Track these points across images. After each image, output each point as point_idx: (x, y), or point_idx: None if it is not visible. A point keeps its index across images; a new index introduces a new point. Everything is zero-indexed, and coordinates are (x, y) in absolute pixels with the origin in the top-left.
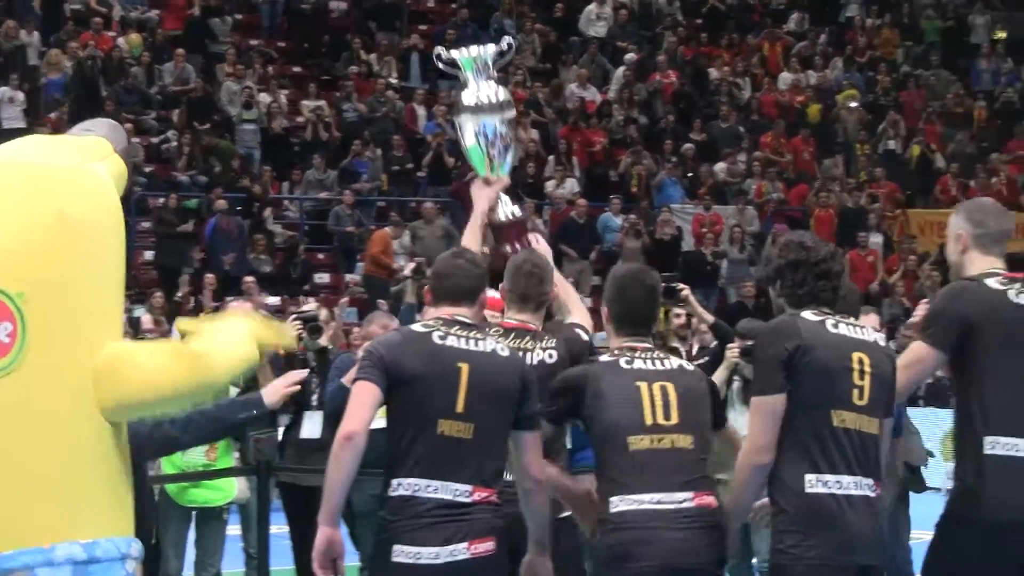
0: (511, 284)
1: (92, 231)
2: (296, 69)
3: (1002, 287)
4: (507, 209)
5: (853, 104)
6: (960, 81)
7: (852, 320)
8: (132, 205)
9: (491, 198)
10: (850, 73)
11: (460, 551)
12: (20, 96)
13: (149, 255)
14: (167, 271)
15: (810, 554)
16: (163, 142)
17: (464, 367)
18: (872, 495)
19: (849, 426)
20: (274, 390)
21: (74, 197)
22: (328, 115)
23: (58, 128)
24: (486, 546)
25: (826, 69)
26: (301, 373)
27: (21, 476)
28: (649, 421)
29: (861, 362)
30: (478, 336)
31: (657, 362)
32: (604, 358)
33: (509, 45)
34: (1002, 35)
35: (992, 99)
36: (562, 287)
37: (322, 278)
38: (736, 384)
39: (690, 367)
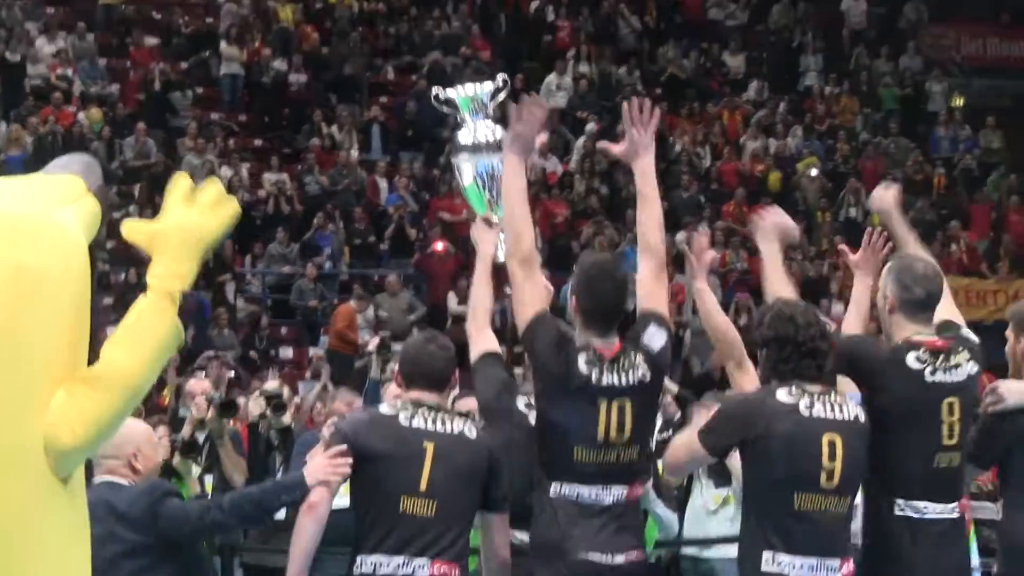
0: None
1: (51, 284)
2: (257, 142)
3: (920, 365)
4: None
5: (813, 172)
6: (919, 148)
7: (832, 397)
8: (94, 282)
9: (494, 240)
10: (810, 141)
11: None
12: None
13: (110, 331)
14: None
15: None
16: (124, 215)
17: (429, 446)
18: (835, 567)
19: (813, 508)
20: (316, 469)
21: (35, 249)
22: (290, 188)
23: None
24: None
25: (786, 137)
26: (341, 447)
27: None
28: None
29: (832, 444)
30: (446, 417)
31: (623, 375)
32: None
33: (504, 81)
34: (960, 102)
35: (951, 166)
36: None
37: (285, 353)
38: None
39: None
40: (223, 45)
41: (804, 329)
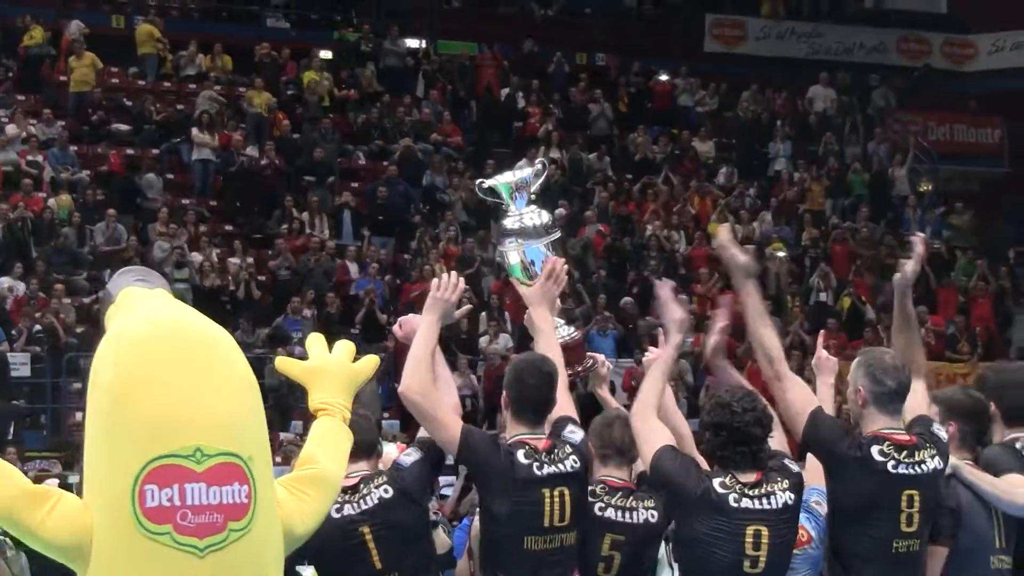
0: (598, 440)
1: (259, 395)
2: (228, 227)
3: (883, 458)
4: (562, 331)
5: (780, 253)
6: (888, 232)
7: (763, 489)
8: (64, 365)
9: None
10: (779, 226)
11: None
12: None
13: (79, 416)
14: None
15: None
16: (94, 302)
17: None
18: None
19: None
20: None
21: (246, 363)
22: (258, 273)
23: None
24: None
25: (754, 222)
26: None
27: None
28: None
29: (757, 534)
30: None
31: (559, 465)
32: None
33: (544, 165)
34: (928, 187)
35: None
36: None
37: None
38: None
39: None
40: (195, 131)
41: (739, 415)
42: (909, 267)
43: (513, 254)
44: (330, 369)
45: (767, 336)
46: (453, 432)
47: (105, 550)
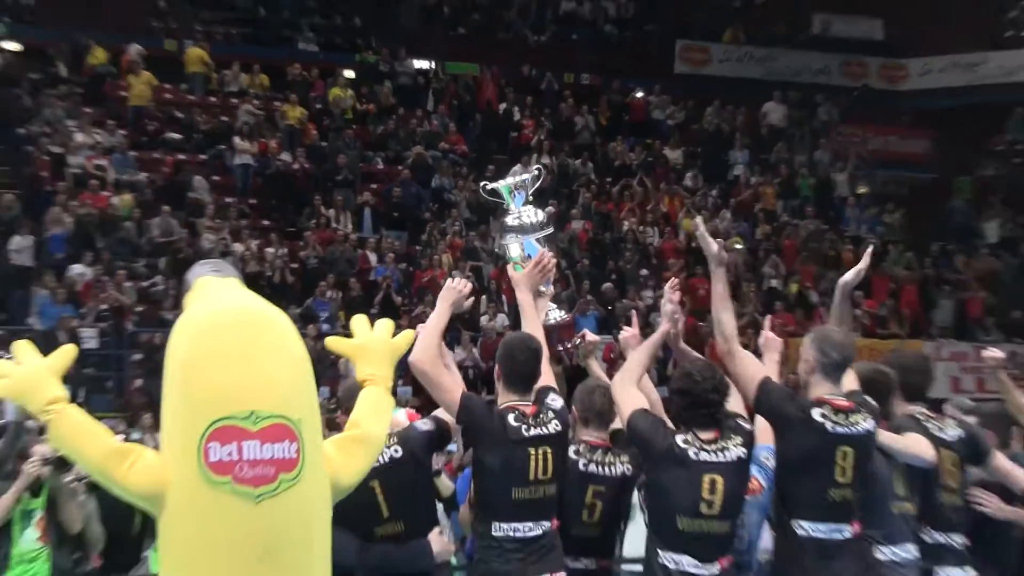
0: (581, 405)
1: (310, 367)
2: (265, 222)
3: (822, 420)
4: (555, 314)
5: (738, 246)
6: (830, 228)
7: (719, 444)
8: (126, 340)
9: (543, 307)
10: (737, 223)
11: None
12: (31, 251)
13: (139, 382)
14: (154, 396)
15: None
16: (151, 286)
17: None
18: (716, 571)
19: (693, 529)
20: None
21: (300, 341)
22: (290, 261)
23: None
24: None
25: (715, 219)
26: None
27: (307, 558)
28: (532, 477)
29: (713, 482)
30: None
31: (544, 427)
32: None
33: (539, 170)
34: (865, 190)
35: (857, 243)
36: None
37: None
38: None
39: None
40: (237, 140)
41: (700, 383)
42: (852, 274)
43: (513, 246)
44: (373, 345)
45: (726, 318)
46: (455, 396)
47: (177, 497)
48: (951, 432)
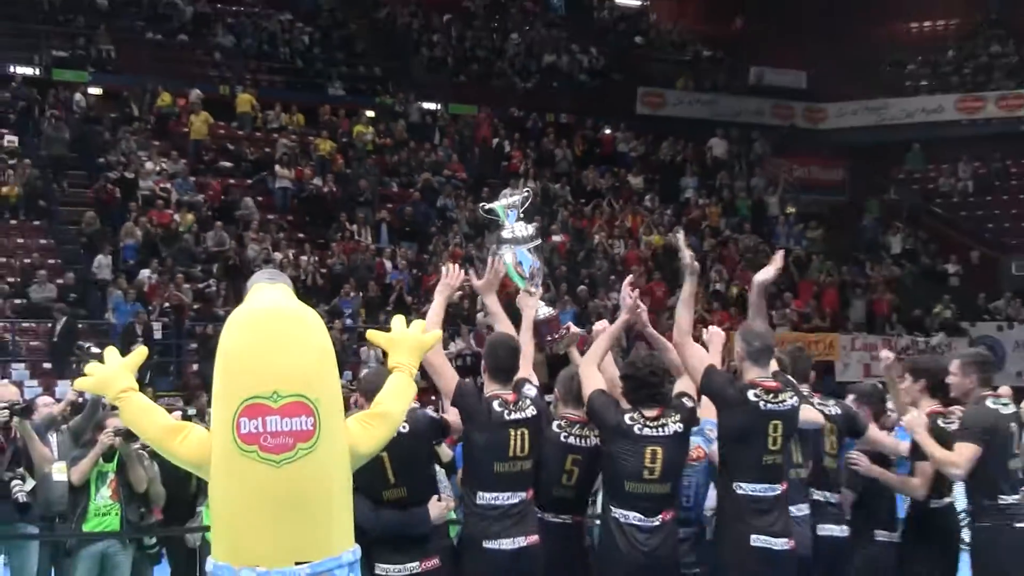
0: (563, 387)
1: (332, 358)
2: (300, 235)
3: (756, 399)
4: (543, 311)
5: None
6: (764, 241)
7: (660, 421)
8: (184, 332)
9: (534, 306)
10: (689, 236)
11: None
12: (108, 259)
13: (195, 367)
14: (207, 379)
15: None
16: (206, 287)
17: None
18: (657, 523)
19: (638, 491)
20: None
21: (325, 333)
22: (320, 267)
23: (132, 272)
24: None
25: (669, 233)
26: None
27: (333, 509)
28: (511, 454)
29: (654, 453)
30: None
31: (522, 412)
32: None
33: (529, 192)
34: (792, 210)
35: (787, 253)
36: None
37: None
38: None
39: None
40: (277, 168)
41: (640, 369)
42: (769, 273)
43: (508, 256)
44: (404, 339)
45: (685, 317)
46: (451, 382)
47: (218, 463)
48: (831, 408)
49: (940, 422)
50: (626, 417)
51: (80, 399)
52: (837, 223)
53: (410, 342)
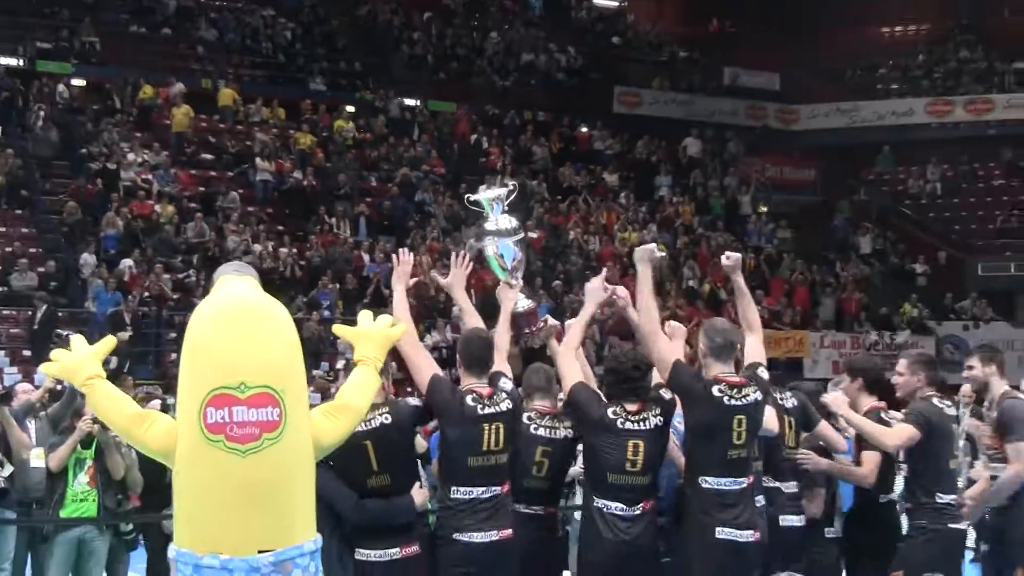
0: (527, 382)
1: (297, 350)
2: (279, 227)
3: (720, 394)
4: (523, 303)
5: (661, 253)
6: (736, 240)
7: (641, 415)
8: (163, 320)
9: (513, 298)
10: (661, 234)
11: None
12: (92, 257)
13: (174, 356)
14: None
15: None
16: (186, 277)
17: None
18: (639, 512)
19: (620, 482)
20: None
21: (292, 326)
22: (299, 259)
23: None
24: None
25: (644, 230)
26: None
27: (296, 498)
28: (485, 448)
29: (636, 446)
30: (370, 418)
31: (497, 406)
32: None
33: (514, 186)
34: (764, 209)
35: (759, 252)
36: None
37: None
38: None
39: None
40: (258, 160)
41: (623, 363)
42: (732, 259)
43: (489, 248)
44: (370, 334)
45: (651, 309)
46: (426, 376)
47: (184, 452)
48: (790, 402)
49: (883, 415)
50: (609, 411)
51: (59, 386)
52: (808, 223)
53: (376, 336)
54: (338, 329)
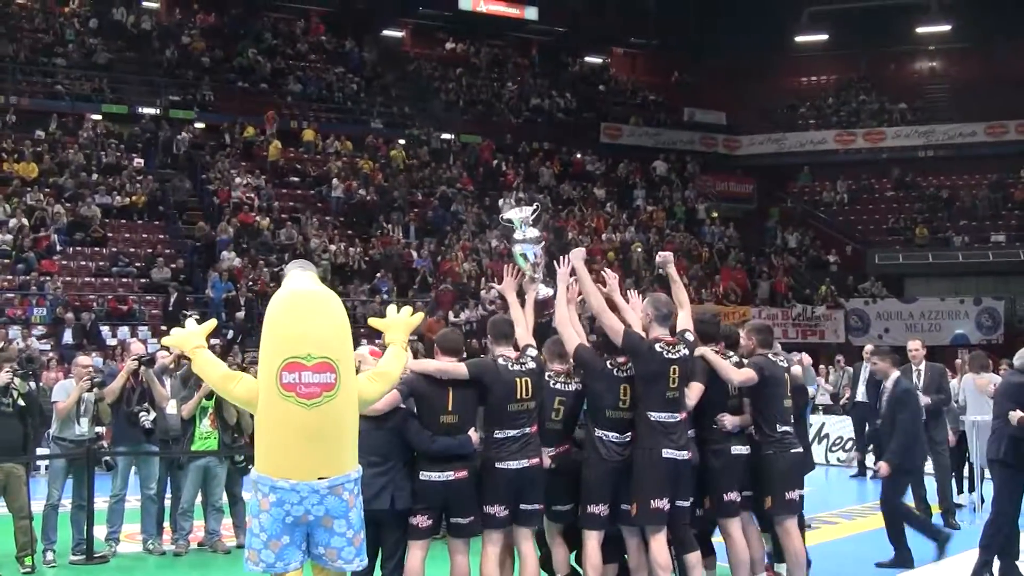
0: (547, 350)
1: (348, 330)
2: (349, 232)
3: (660, 350)
4: (543, 291)
5: (639, 249)
6: (695, 238)
7: (627, 366)
8: (264, 304)
9: (536, 288)
10: (639, 234)
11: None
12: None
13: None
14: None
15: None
16: (280, 271)
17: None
18: (628, 439)
19: (615, 416)
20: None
21: (343, 311)
22: (363, 256)
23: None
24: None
25: (625, 232)
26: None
27: (346, 440)
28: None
29: (625, 388)
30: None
31: (521, 365)
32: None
33: (538, 206)
34: (715, 215)
35: (711, 247)
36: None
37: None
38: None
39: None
40: (334, 181)
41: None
42: (662, 257)
43: (518, 249)
44: (395, 322)
45: (594, 294)
46: (462, 371)
47: (264, 403)
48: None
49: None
50: (608, 363)
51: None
52: (748, 225)
53: (400, 324)
54: (372, 320)
